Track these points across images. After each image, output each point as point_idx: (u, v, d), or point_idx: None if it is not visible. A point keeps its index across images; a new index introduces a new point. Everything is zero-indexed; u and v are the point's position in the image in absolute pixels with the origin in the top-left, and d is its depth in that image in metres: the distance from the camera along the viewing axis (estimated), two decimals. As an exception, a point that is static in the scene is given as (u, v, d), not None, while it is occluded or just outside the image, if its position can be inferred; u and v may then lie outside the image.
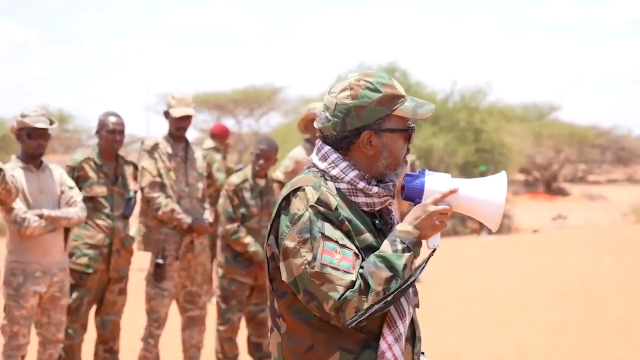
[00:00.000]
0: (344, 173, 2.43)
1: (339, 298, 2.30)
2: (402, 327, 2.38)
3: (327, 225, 2.35)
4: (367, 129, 2.43)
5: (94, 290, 5.65)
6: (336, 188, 2.43)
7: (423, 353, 2.62)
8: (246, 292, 6.07)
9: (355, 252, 2.34)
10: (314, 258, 2.32)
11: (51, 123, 5.20)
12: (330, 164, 2.45)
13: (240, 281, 6.02)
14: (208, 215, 5.98)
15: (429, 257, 2.43)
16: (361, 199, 2.43)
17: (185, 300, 5.94)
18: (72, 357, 5.63)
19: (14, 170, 5.05)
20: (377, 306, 2.30)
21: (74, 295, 5.57)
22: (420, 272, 2.41)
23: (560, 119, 38.40)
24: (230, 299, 6.03)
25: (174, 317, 6.76)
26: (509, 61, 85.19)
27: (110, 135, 5.67)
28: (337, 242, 2.33)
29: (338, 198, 2.40)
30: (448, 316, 8.71)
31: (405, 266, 2.33)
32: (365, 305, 2.29)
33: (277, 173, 6.44)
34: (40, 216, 5.07)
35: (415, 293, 2.54)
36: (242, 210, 6.00)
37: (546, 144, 33.50)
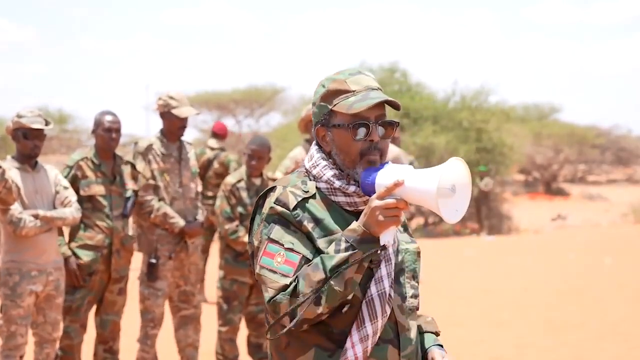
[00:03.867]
0: (322, 172, 2.44)
1: (269, 300, 2.32)
2: (371, 329, 2.34)
3: (277, 228, 2.36)
4: (318, 125, 2.46)
5: (94, 291, 5.65)
6: (317, 187, 2.43)
7: (441, 346, 2.59)
8: (247, 292, 6.07)
9: (304, 257, 2.34)
10: (257, 259, 2.38)
11: (47, 124, 5.20)
12: (313, 163, 2.47)
13: (241, 281, 6.01)
14: (200, 216, 5.97)
15: (365, 255, 2.29)
16: (341, 198, 2.43)
17: (179, 299, 5.91)
18: (72, 357, 5.63)
19: (10, 170, 5.06)
20: (305, 307, 2.27)
21: (76, 295, 5.57)
22: (342, 269, 2.27)
23: (560, 119, 38.39)
24: (232, 299, 6.03)
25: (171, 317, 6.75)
26: (509, 61, 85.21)
27: (107, 134, 5.66)
28: (282, 245, 2.34)
29: (318, 197, 2.41)
30: (448, 316, 8.71)
31: (340, 265, 2.27)
32: (299, 308, 2.28)
33: (278, 173, 6.45)
34: (36, 216, 5.07)
35: (415, 296, 2.52)
36: (240, 209, 6.00)
37: (546, 144, 33.45)
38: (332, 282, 2.28)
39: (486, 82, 27.00)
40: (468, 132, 20.66)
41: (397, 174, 2.31)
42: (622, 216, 22.12)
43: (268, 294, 2.33)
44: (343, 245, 2.30)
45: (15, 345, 5.07)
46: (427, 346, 2.59)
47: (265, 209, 2.40)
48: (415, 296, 2.52)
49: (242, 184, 6.03)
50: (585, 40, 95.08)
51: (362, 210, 2.41)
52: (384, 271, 2.38)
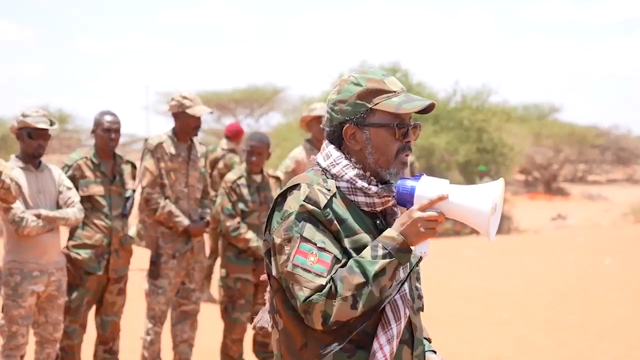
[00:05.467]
0: (343, 171, 2.42)
1: (304, 300, 2.30)
2: (396, 329, 2.37)
3: (308, 226, 2.35)
4: (349, 122, 2.43)
5: (93, 291, 5.65)
6: (336, 187, 2.42)
7: (435, 352, 2.63)
8: (252, 290, 6.04)
9: (335, 257, 2.33)
10: (288, 257, 2.34)
11: (52, 124, 5.20)
12: (332, 162, 2.45)
13: (245, 279, 6.00)
14: (208, 215, 5.97)
15: (414, 267, 2.40)
16: (361, 199, 2.42)
17: (181, 296, 5.93)
18: (72, 357, 5.63)
19: (13, 170, 5.06)
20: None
21: (74, 295, 5.57)
22: (402, 283, 2.37)
23: (560, 119, 38.39)
24: (237, 298, 6.00)
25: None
26: (509, 61, 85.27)
27: (106, 134, 5.66)
28: (315, 244, 2.33)
29: (338, 196, 2.40)
30: (448, 316, 8.71)
31: (379, 272, 2.29)
32: (334, 310, 2.28)
33: (278, 173, 6.45)
34: (38, 216, 5.07)
35: (420, 297, 2.54)
36: (241, 206, 6.01)
37: (546, 144, 33.46)
38: (373, 288, 2.29)
39: (487, 83, 27.05)
40: (469, 132, 20.66)
41: (439, 187, 2.35)
42: (622, 216, 22.12)
43: (303, 293, 2.30)
44: (380, 251, 2.31)
45: (16, 345, 5.07)
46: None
47: (292, 207, 2.37)
48: (420, 297, 2.54)
49: (243, 181, 6.04)
50: (585, 40, 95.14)
51: (379, 211, 2.44)
52: (402, 274, 2.40)
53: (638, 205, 22.38)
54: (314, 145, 6.37)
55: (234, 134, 9.10)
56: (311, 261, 2.32)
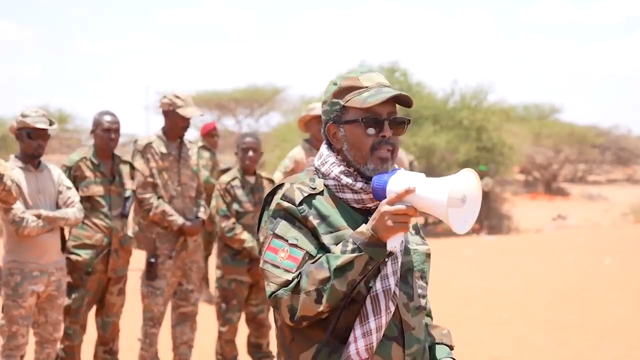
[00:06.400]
0: (330, 169, 2.46)
1: (270, 295, 2.35)
2: (375, 324, 2.35)
3: (282, 223, 2.39)
4: (330, 122, 2.48)
5: (93, 291, 5.65)
6: (325, 185, 2.45)
7: (454, 359, 2.61)
8: (245, 292, 6.07)
9: (308, 253, 2.36)
10: (261, 254, 2.41)
11: (51, 124, 5.21)
12: (322, 161, 2.49)
13: (239, 280, 6.02)
14: (202, 214, 5.97)
15: (377, 263, 2.33)
16: (349, 195, 2.44)
17: (179, 297, 5.93)
18: (72, 358, 5.63)
19: (13, 170, 5.05)
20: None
21: (74, 296, 5.57)
22: (369, 279, 2.34)
23: (560, 119, 38.37)
24: (230, 298, 6.03)
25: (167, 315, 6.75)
26: (509, 61, 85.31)
27: (106, 134, 5.66)
28: (287, 241, 2.37)
29: (326, 194, 2.43)
30: (448, 316, 8.71)
31: (345, 267, 2.29)
32: (299, 304, 2.31)
33: (277, 173, 6.46)
34: (38, 216, 5.07)
35: (421, 295, 2.53)
36: (236, 206, 6.02)
37: (546, 144, 33.44)
38: (334, 282, 2.29)
39: (484, 81, 27.04)
40: (468, 132, 20.65)
41: (408, 181, 2.32)
42: (622, 216, 22.12)
43: (270, 289, 2.35)
44: (350, 246, 2.31)
45: (16, 345, 5.07)
46: (439, 357, 2.60)
47: (273, 205, 2.43)
48: (423, 296, 2.53)
49: (237, 182, 6.07)
50: (585, 40, 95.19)
51: (370, 207, 2.44)
52: (390, 269, 2.39)
53: (638, 205, 22.39)
54: (312, 145, 6.38)
55: (201, 130, 9.28)
56: (281, 257, 2.36)
